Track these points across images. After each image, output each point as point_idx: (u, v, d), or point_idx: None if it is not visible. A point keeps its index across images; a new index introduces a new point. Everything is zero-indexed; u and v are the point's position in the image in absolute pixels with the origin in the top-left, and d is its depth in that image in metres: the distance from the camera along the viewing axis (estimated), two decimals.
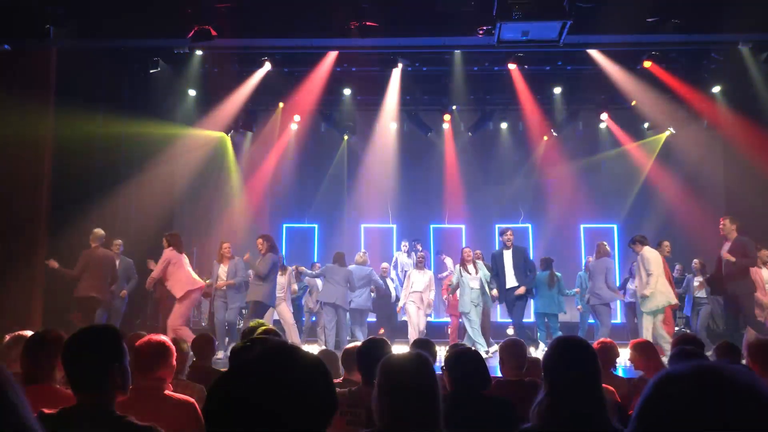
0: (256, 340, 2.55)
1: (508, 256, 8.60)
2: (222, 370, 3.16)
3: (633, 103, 11.35)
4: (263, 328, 3.35)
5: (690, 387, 0.87)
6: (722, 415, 0.83)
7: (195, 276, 7.88)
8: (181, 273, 7.70)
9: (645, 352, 4.20)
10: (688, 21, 7.44)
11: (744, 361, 4.07)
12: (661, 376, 0.92)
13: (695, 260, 9.82)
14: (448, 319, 9.99)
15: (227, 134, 12.27)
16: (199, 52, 9.47)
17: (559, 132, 12.20)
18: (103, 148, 9.35)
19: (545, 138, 12.38)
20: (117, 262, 8.45)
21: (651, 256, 8.00)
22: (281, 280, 9.06)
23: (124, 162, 9.90)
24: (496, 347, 7.84)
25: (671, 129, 11.77)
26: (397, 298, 9.85)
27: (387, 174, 12.49)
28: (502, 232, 8.91)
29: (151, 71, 9.58)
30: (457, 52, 9.80)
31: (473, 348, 4.11)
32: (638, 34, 8.10)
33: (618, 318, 10.87)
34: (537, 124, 11.85)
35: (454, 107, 11.87)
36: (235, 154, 12.63)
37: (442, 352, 5.75)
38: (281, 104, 11.62)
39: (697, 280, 9.63)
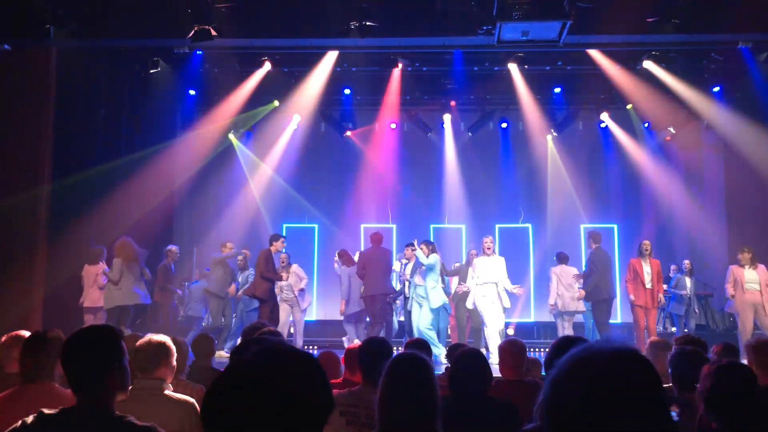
0: (253, 340, 2.55)
1: None
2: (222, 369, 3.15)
3: (629, 106, 11.36)
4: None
5: (567, 380, 0.92)
6: (598, 401, 0.88)
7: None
8: None
9: (657, 350, 4.28)
10: (688, 21, 7.43)
11: (745, 361, 4.07)
12: (547, 379, 0.97)
13: (686, 261, 9.93)
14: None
15: (226, 134, 12.25)
16: (199, 52, 9.46)
17: (559, 132, 12.18)
18: (104, 148, 9.34)
19: (546, 138, 12.37)
20: None
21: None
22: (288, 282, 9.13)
23: (124, 162, 9.88)
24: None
25: (671, 129, 11.76)
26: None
27: (387, 174, 12.48)
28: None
29: (151, 71, 9.57)
30: (457, 52, 9.79)
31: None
32: (638, 34, 8.09)
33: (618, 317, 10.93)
34: (537, 124, 11.83)
35: (453, 103, 11.85)
36: (235, 154, 12.61)
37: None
38: (276, 102, 11.59)
39: (688, 280, 9.70)
